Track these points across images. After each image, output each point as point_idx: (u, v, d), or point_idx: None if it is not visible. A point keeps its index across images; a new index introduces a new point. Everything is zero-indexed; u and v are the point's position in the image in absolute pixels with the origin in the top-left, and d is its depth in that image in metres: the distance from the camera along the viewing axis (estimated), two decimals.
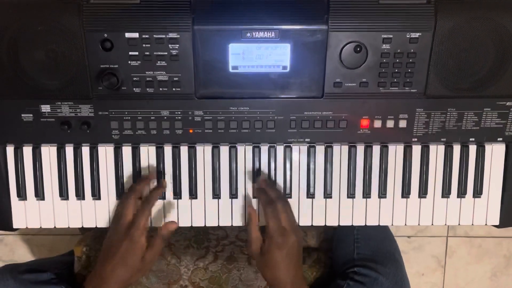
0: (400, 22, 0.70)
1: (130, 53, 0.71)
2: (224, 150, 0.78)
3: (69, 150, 0.78)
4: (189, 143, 0.78)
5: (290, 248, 0.71)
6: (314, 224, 0.81)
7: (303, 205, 0.80)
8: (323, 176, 0.79)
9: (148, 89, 0.73)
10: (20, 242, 1.46)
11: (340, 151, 0.79)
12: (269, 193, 0.75)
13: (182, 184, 0.79)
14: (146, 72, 0.72)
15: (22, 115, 0.75)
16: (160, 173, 0.78)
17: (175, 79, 0.73)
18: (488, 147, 0.79)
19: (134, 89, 0.73)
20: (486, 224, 0.82)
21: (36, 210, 0.79)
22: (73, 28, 0.69)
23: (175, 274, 0.87)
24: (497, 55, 0.72)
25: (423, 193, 0.80)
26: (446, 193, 0.80)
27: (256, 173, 0.79)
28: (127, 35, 0.70)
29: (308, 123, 0.76)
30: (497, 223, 0.82)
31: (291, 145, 0.78)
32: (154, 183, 0.79)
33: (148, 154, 0.78)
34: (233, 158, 0.78)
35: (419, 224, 0.82)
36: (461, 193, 0.80)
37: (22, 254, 1.47)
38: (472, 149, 0.79)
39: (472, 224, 0.82)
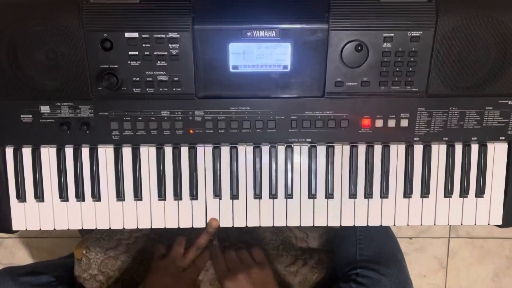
0: (401, 21, 0.70)
1: (130, 53, 0.70)
2: (225, 150, 0.78)
3: (69, 151, 0.77)
4: (189, 144, 0.77)
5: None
6: (315, 225, 0.81)
7: (305, 205, 0.80)
8: (324, 176, 0.79)
9: (148, 89, 0.73)
10: (19, 245, 1.46)
11: (341, 151, 0.78)
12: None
13: (183, 185, 0.79)
14: (146, 72, 0.72)
15: (22, 116, 0.74)
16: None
17: (175, 79, 0.72)
18: (490, 146, 0.79)
19: (134, 89, 0.73)
20: (489, 224, 0.81)
21: (35, 212, 0.79)
22: (72, 28, 0.69)
23: None
24: (499, 54, 0.71)
25: (425, 193, 0.79)
26: (448, 192, 0.80)
27: (257, 173, 0.79)
28: (127, 35, 0.69)
29: (309, 122, 0.76)
30: (500, 223, 0.81)
31: (292, 145, 0.78)
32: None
33: (148, 155, 0.78)
34: (233, 158, 0.78)
35: (421, 224, 0.81)
36: (464, 193, 0.80)
37: (22, 257, 1.46)
38: (474, 148, 0.79)
39: (475, 224, 0.81)
